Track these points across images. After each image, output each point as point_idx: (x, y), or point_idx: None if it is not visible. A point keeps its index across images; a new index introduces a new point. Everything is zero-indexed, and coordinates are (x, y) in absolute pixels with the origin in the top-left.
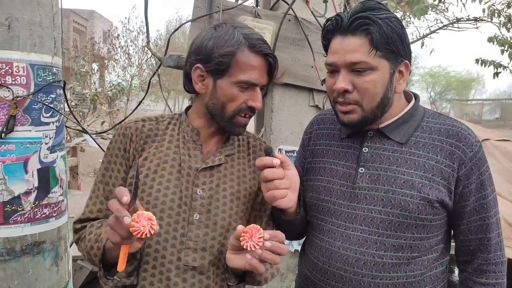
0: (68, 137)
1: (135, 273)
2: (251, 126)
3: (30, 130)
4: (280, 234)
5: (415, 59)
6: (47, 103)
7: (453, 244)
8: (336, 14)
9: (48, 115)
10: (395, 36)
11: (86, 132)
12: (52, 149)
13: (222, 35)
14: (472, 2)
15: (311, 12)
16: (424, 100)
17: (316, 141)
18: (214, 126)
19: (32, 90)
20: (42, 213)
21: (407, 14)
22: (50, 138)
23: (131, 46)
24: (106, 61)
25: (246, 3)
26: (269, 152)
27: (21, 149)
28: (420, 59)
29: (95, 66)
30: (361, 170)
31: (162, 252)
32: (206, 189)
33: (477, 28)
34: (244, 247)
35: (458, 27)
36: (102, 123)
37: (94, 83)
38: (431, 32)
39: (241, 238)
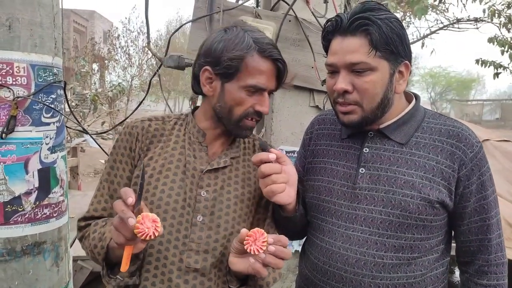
0: (69, 138)
1: (137, 273)
2: None
3: (31, 131)
4: (284, 239)
5: (415, 60)
6: (47, 104)
7: (453, 245)
8: (336, 15)
9: (49, 115)
10: (395, 37)
11: (87, 133)
12: (52, 150)
13: (232, 38)
14: (472, 2)
15: (312, 12)
16: (424, 100)
17: (317, 141)
18: (220, 128)
19: (32, 90)
20: (42, 213)
21: (408, 14)
22: (50, 139)
23: (132, 46)
24: (106, 61)
25: (246, 4)
26: (264, 148)
27: (22, 150)
28: (420, 59)
29: (95, 66)
30: (362, 170)
31: (164, 253)
32: (210, 191)
33: (477, 28)
34: (248, 250)
35: (458, 28)
36: (103, 123)
37: (95, 83)
38: (432, 33)
39: (244, 242)
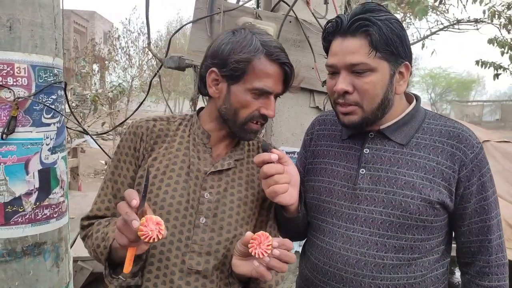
0: (69, 138)
1: (140, 274)
2: None
3: (31, 131)
4: (288, 242)
5: (415, 61)
6: (48, 104)
7: (454, 245)
8: (336, 16)
9: (49, 116)
10: (395, 38)
11: (87, 133)
12: (53, 150)
13: (240, 41)
14: (472, 3)
15: (312, 13)
16: (424, 101)
17: (317, 142)
18: (225, 130)
19: (33, 91)
20: (43, 214)
21: (408, 15)
22: (51, 139)
23: (132, 47)
24: (106, 62)
25: (247, 5)
26: (266, 148)
27: (22, 150)
28: (420, 60)
29: (95, 67)
30: (362, 171)
31: (167, 254)
32: (214, 193)
33: (477, 29)
34: (252, 254)
35: (458, 29)
36: (103, 124)
37: (95, 84)
38: (432, 34)
39: (249, 245)
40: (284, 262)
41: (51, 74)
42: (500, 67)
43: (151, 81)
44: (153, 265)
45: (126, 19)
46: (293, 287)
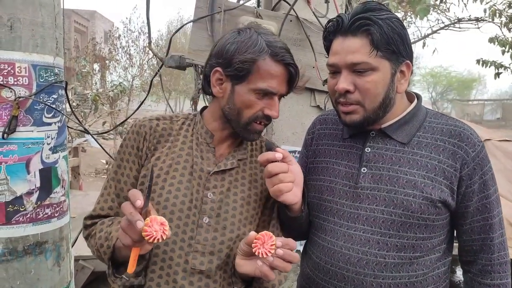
0: (70, 138)
1: (143, 273)
2: None
3: (32, 131)
4: (292, 242)
5: (416, 59)
6: (49, 104)
7: (455, 244)
8: (337, 15)
9: (50, 115)
10: (396, 37)
11: (88, 133)
12: (54, 150)
13: (245, 41)
14: (473, 2)
15: (313, 12)
16: (425, 100)
17: (319, 141)
18: (229, 130)
19: (34, 90)
20: (44, 213)
21: (409, 14)
22: (52, 139)
23: (133, 46)
24: (107, 61)
25: (247, 4)
26: (270, 147)
27: (23, 150)
28: (421, 59)
29: (96, 66)
30: (364, 170)
31: (170, 254)
32: (217, 193)
33: (478, 28)
34: (256, 253)
35: (459, 27)
36: (104, 123)
37: (96, 83)
38: (433, 32)
39: (253, 245)
40: (288, 261)
41: (52, 74)
42: (501, 66)
43: (151, 80)
44: (156, 265)
45: (127, 18)
46: (294, 286)
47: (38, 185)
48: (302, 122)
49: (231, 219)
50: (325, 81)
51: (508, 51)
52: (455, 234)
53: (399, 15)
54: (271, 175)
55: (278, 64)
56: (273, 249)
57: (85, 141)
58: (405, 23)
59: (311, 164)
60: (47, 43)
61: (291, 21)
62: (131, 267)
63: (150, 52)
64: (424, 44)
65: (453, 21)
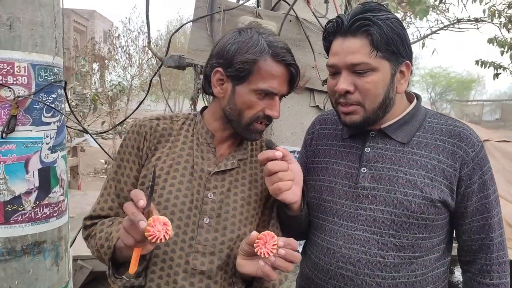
0: (69, 137)
1: (143, 274)
2: None
3: (31, 130)
4: (294, 242)
5: (415, 60)
6: (48, 103)
7: (454, 244)
8: (336, 16)
9: (49, 115)
10: (396, 37)
11: (87, 132)
12: (53, 149)
13: (246, 41)
14: (472, 2)
15: (312, 12)
16: (424, 100)
17: (318, 141)
18: (229, 130)
19: (33, 90)
20: (42, 213)
21: (408, 14)
22: (51, 138)
23: (132, 46)
24: (106, 61)
25: (247, 4)
26: (270, 146)
27: (22, 149)
28: (420, 59)
29: (95, 66)
30: (363, 170)
31: (170, 254)
32: (218, 193)
33: (477, 28)
34: (258, 253)
35: (458, 28)
36: (103, 123)
37: (95, 83)
38: (432, 33)
39: (255, 245)
40: (290, 261)
41: (51, 73)
42: (500, 66)
43: (151, 80)
44: (157, 266)
45: (126, 18)
46: (293, 286)
47: (36, 184)
48: (301, 122)
49: (231, 219)
50: (325, 81)
51: (507, 52)
52: (454, 235)
53: (399, 15)
54: (270, 173)
55: (279, 64)
56: (275, 249)
57: (84, 140)
58: (404, 24)
59: (310, 164)
60: (47, 42)
61: (290, 21)
62: (133, 268)
63: (149, 51)
64: (423, 45)
65: (452, 22)
